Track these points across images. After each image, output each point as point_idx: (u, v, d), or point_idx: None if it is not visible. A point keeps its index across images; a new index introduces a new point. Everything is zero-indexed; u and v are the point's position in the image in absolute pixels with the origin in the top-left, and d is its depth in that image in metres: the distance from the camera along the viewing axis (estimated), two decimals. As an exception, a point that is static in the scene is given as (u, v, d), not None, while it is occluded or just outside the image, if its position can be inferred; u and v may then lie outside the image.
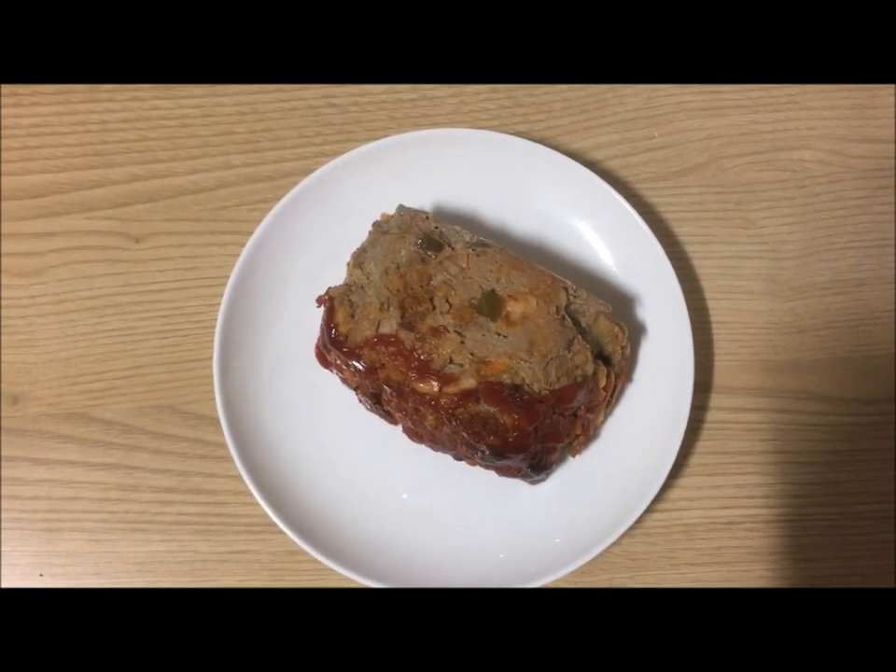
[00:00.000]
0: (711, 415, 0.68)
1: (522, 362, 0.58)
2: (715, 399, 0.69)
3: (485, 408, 0.58)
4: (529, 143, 0.67)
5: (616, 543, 0.63)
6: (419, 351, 0.59)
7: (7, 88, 0.72)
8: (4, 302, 0.70)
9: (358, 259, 0.63)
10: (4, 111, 0.72)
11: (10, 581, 0.67)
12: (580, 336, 0.60)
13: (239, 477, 0.64)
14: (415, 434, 0.63)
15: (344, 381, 0.64)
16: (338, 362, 0.62)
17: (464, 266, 0.61)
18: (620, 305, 0.66)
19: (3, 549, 0.68)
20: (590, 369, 0.60)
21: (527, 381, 0.58)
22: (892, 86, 0.71)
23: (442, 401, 0.58)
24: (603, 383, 0.61)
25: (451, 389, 0.58)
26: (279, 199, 0.66)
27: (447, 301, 0.60)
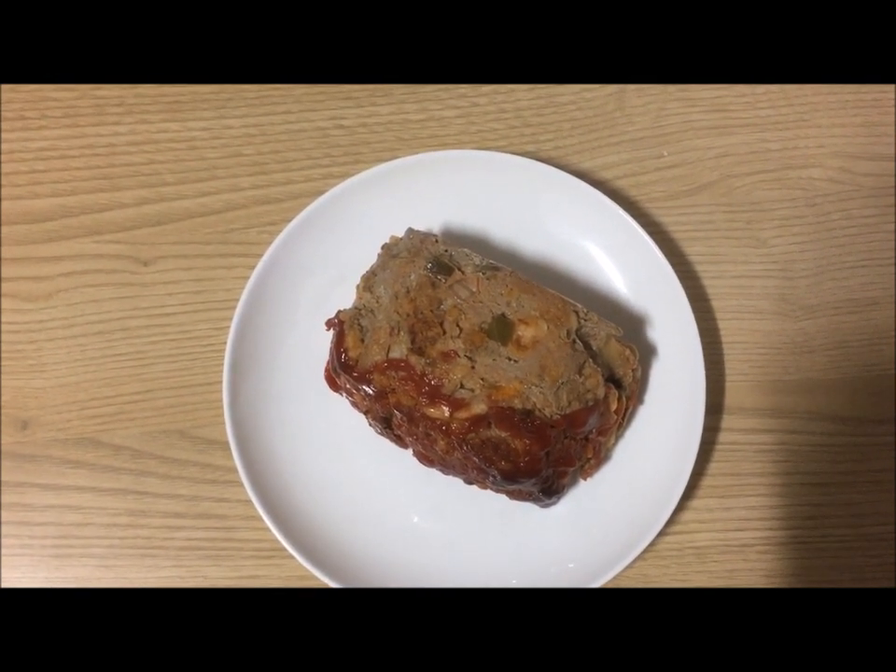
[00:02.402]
0: (723, 437, 0.68)
1: (533, 387, 0.58)
2: (726, 421, 0.68)
3: (497, 433, 0.58)
4: (538, 163, 0.66)
5: (628, 566, 0.63)
6: (429, 376, 0.58)
7: (14, 112, 0.72)
8: (12, 327, 0.70)
9: (368, 283, 0.63)
10: (12, 135, 0.72)
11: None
12: (591, 359, 0.60)
13: (249, 502, 0.63)
14: (426, 458, 0.63)
15: (354, 405, 0.64)
16: (348, 386, 0.62)
17: (474, 290, 0.60)
18: (630, 326, 0.66)
19: (12, 575, 0.67)
20: (601, 392, 0.60)
21: (539, 406, 0.58)
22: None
23: (453, 426, 0.58)
24: (614, 406, 0.61)
25: (462, 414, 0.58)
26: (288, 221, 0.66)
27: (457, 325, 0.59)
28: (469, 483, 0.63)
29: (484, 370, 0.58)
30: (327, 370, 0.65)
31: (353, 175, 0.66)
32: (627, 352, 0.62)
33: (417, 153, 0.67)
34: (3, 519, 0.67)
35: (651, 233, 0.65)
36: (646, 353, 0.66)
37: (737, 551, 0.67)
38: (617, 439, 0.65)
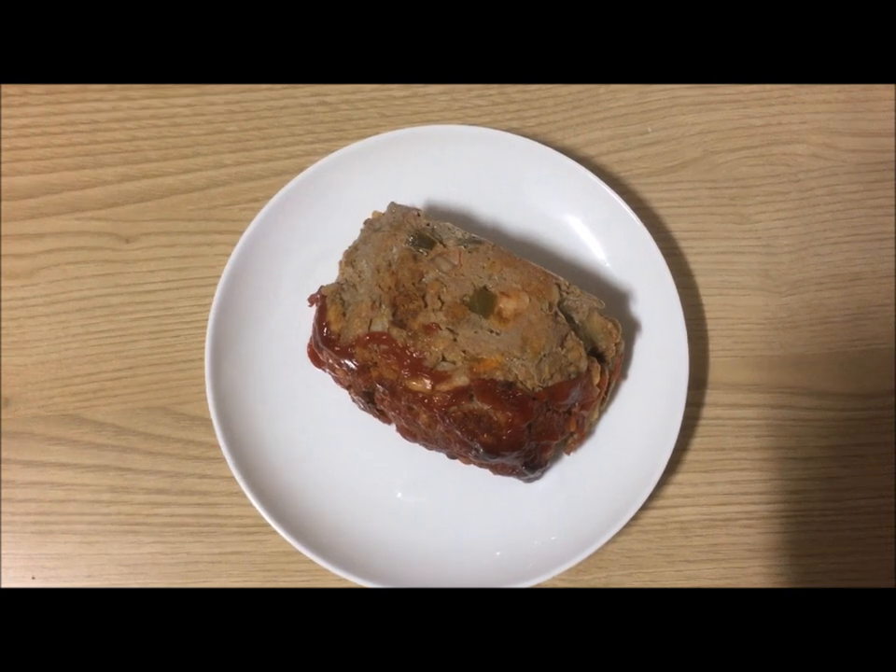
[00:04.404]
0: (707, 411, 0.68)
1: (515, 359, 0.58)
2: (710, 395, 0.68)
3: (479, 406, 0.58)
4: (522, 139, 0.66)
5: (612, 541, 0.63)
6: (411, 349, 0.58)
7: (-4, 88, 0.72)
8: (-6, 304, 0.69)
9: (350, 258, 0.63)
10: (-7, 112, 0.72)
11: (2, 585, 0.67)
12: (573, 332, 0.60)
13: (232, 478, 0.63)
14: (409, 433, 0.63)
15: (337, 380, 0.64)
16: (330, 361, 0.62)
17: (456, 263, 0.60)
18: (613, 301, 0.66)
19: (-5, 552, 0.67)
20: (583, 365, 0.60)
21: (520, 378, 0.58)
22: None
23: (435, 399, 0.58)
24: (597, 379, 0.61)
25: (443, 387, 0.58)
26: (271, 198, 0.66)
27: (439, 298, 0.59)
28: (453, 457, 0.63)
29: (466, 342, 0.58)
30: (309, 345, 0.65)
31: (336, 150, 0.66)
32: (610, 325, 0.62)
33: (400, 129, 0.67)
34: (-15, 496, 0.68)
35: (634, 209, 0.65)
36: (629, 328, 0.66)
37: (721, 525, 0.67)
38: (600, 414, 0.65)
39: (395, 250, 0.61)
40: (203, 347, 0.64)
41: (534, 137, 0.68)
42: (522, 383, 0.58)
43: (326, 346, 0.61)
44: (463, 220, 0.68)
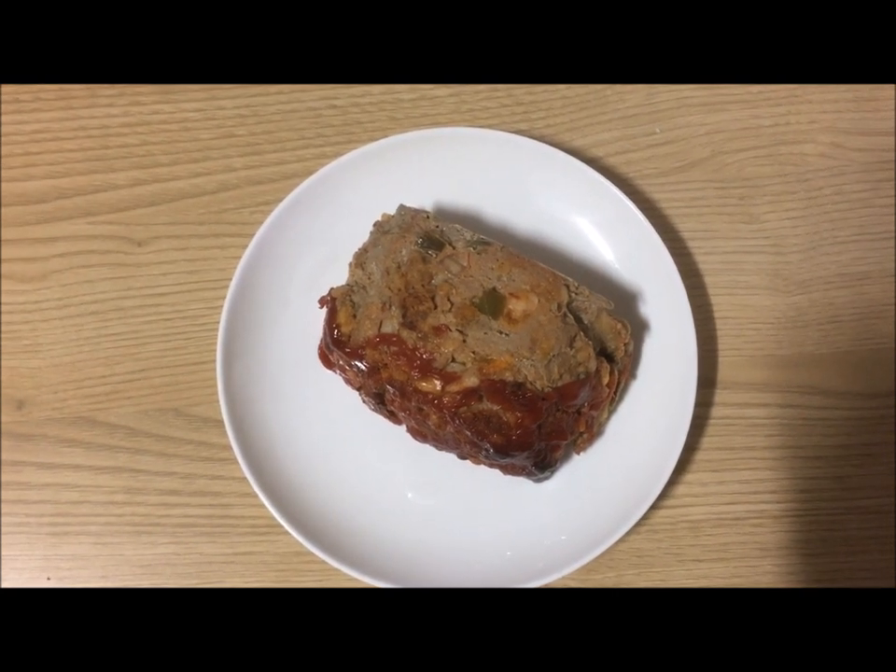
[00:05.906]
0: (716, 411, 0.68)
1: (524, 360, 0.58)
2: (719, 395, 0.68)
3: (488, 406, 0.58)
4: (529, 141, 0.67)
5: (622, 540, 0.63)
6: (421, 350, 0.59)
7: (8, 95, 0.72)
8: (8, 308, 0.70)
9: (360, 260, 0.63)
10: (6, 117, 0.72)
11: (18, 585, 0.68)
12: (582, 333, 0.60)
13: (244, 479, 0.64)
14: (419, 433, 0.63)
15: (348, 381, 0.64)
16: (341, 363, 0.63)
17: (465, 265, 0.61)
18: (622, 302, 0.66)
19: (10, 553, 0.68)
20: (592, 365, 0.60)
21: (530, 378, 0.58)
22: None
23: (445, 400, 0.58)
24: (606, 379, 0.61)
25: (453, 388, 0.58)
26: (281, 201, 0.66)
27: (448, 299, 0.60)
28: (463, 457, 0.63)
29: (476, 343, 0.59)
30: (320, 347, 0.65)
31: (345, 153, 0.67)
32: (619, 326, 0.62)
33: (409, 132, 0.67)
34: (1, 497, 0.68)
35: (642, 210, 0.65)
36: (638, 328, 0.66)
37: (731, 524, 0.67)
38: (610, 413, 0.65)
39: (404, 252, 0.61)
40: (215, 349, 0.65)
41: (542, 139, 0.68)
42: (531, 383, 0.58)
43: (336, 348, 0.61)
44: (472, 222, 0.68)
